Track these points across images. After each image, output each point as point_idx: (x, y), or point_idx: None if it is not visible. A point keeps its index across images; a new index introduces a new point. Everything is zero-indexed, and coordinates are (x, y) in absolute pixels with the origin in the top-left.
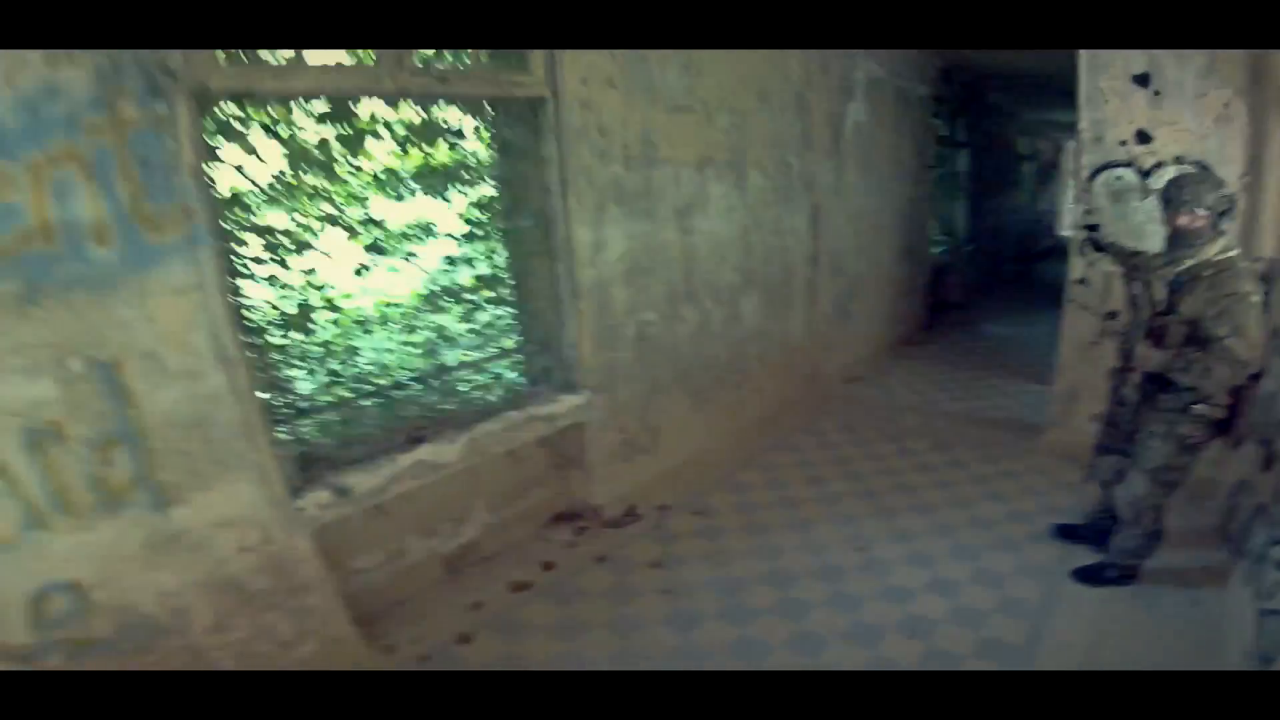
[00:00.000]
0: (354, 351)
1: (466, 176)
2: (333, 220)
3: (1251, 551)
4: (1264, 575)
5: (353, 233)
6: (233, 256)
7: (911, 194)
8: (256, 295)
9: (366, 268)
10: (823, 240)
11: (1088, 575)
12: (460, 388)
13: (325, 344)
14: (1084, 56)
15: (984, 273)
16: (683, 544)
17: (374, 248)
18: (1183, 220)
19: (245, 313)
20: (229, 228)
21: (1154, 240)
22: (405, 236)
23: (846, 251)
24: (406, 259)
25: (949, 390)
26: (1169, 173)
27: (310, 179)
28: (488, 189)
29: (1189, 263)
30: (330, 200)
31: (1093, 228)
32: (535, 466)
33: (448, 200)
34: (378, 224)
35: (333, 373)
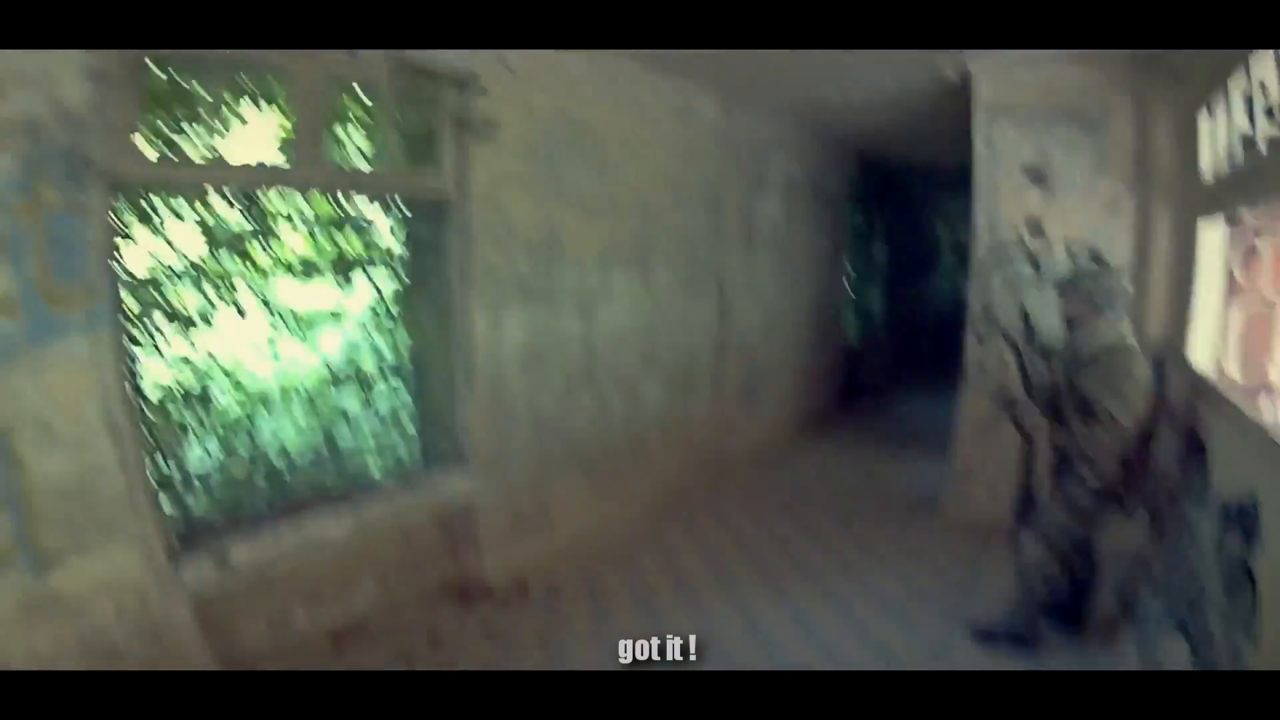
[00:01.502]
0: (252, 428)
1: (375, 265)
2: (237, 303)
3: (1142, 620)
4: (1154, 645)
5: (243, 315)
6: (137, 332)
7: (825, 283)
8: (159, 370)
9: (268, 347)
10: (730, 329)
11: (985, 636)
12: (353, 466)
13: (224, 420)
14: (978, 150)
15: (901, 355)
16: (570, 621)
17: (277, 329)
18: (1073, 311)
19: (142, 387)
20: (135, 305)
21: (1052, 327)
22: (312, 321)
23: (755, 338)
24: (305, 341)
25: (855, 470)
26: (1061, 264)
27: (222, 262)
28: (395, 278)
29: (1085, 348)
30: (236, 284)
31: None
32: (426, 543)
33: (352, 288)
34: (280, 309)
35: (228, 447)
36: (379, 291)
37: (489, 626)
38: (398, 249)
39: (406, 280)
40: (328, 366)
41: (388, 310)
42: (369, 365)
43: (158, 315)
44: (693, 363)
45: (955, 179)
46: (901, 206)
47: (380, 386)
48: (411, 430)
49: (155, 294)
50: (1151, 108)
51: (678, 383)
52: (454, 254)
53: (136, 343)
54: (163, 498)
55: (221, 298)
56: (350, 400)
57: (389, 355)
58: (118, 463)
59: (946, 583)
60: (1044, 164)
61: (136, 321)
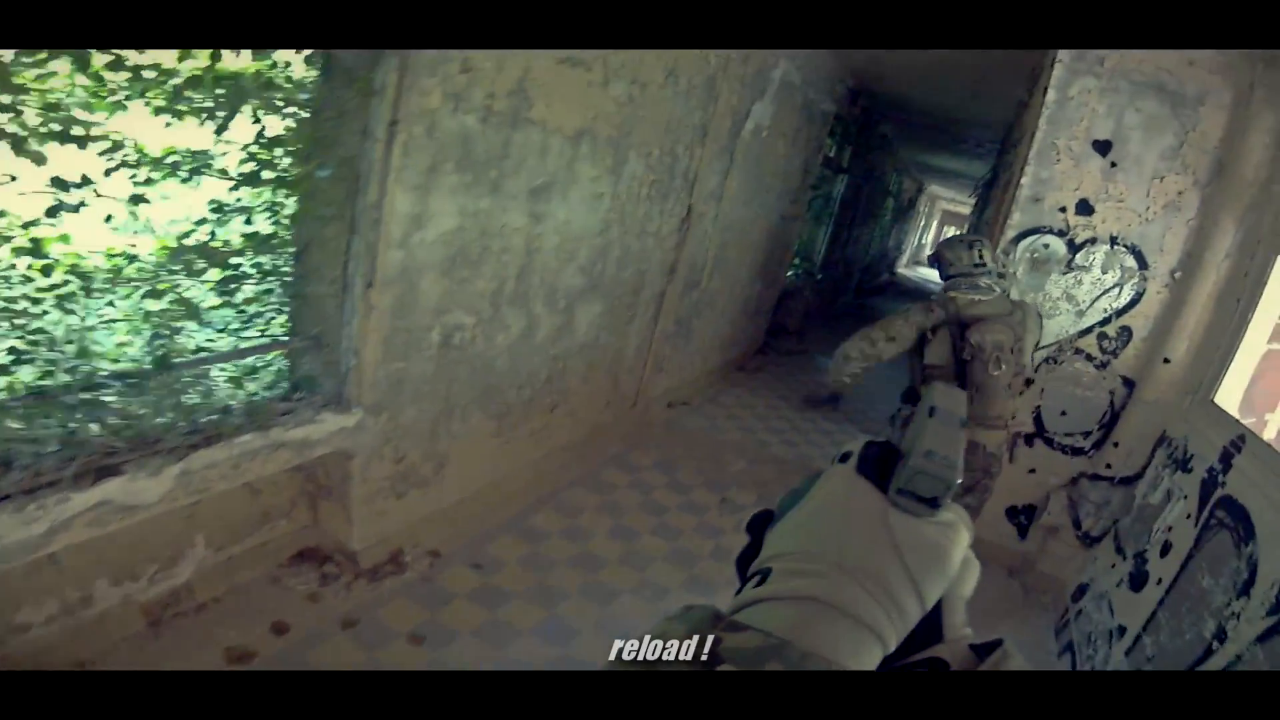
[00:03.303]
0: (58, 323)
1: (268, 94)
2: (65, 132)
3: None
4: None
5: (81, 145)
6: None
7: (786, 212)
8: None
9: (67, 206)
10: (686, 249)
11: None
12: (191, 388)
13: (13, 310)
14: (1049, 106)
15: (825, 301)
16: (454, 610)
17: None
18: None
19: None
20: None
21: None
22: (168, 168)
23: (705, 264)
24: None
25: (778, 431)
26: (1099, 253)
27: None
28: (293, 116)
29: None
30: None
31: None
32: (280, 494)
33: (226, 125)
34: (127, 147)
35: (12, 351)
36: (264, 137)
37: (349, 608)
38: (307, 75)
39: (312, 121)
40: (177, 239)
41: (275, 164)
42: (235, 240)
43: None
44: (641, 284)
45: (930, 127)
46: (870, 144)
47: (245, 271)
48: (279, 341)
49: None
50: (1258, 104)
51: (619, 309)
52: (385, 89)
53: None
54: None
55: (40, 124)
56: (200, 291)
57: (268, 228)
58: None
59: None
60: (1117, 139)
61: None
